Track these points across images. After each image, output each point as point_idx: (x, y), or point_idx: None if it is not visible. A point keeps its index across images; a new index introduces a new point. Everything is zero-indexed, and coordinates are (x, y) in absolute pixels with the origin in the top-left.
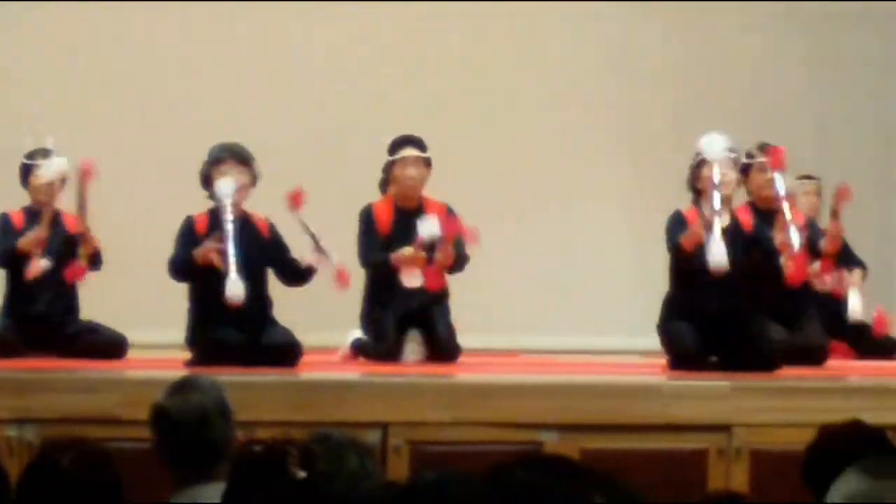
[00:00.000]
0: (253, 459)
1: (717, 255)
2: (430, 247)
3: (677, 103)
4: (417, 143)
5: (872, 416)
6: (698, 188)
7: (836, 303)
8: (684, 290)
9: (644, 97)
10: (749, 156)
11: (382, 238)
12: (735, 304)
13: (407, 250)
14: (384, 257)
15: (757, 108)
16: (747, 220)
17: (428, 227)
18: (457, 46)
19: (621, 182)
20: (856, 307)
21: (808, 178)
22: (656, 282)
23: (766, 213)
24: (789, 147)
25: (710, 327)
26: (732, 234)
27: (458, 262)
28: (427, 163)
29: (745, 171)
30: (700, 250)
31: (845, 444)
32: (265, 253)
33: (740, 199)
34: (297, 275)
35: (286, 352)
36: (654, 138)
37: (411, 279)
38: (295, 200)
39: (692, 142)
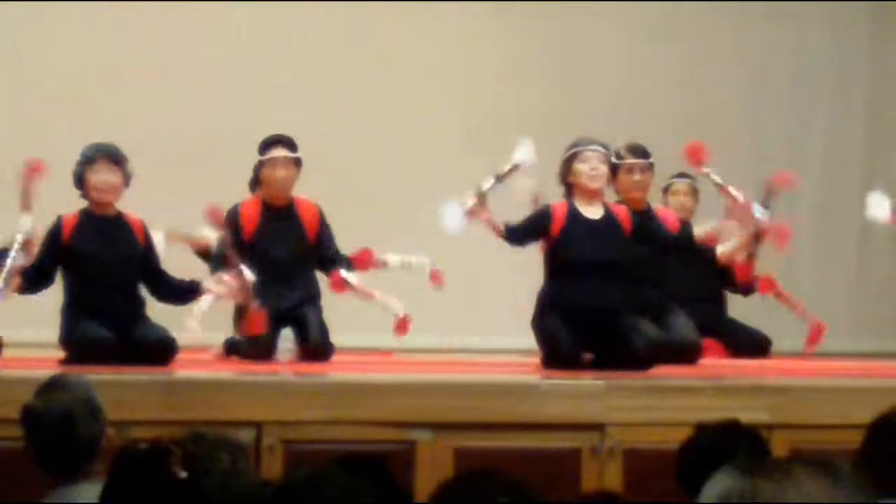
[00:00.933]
0: (134, 458)
1: (450, 218)
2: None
3: (553, 101)
4: (287, 143)
5: (745, 414)
6: (570, 182)
7: (709, 301)
8: (558, 286)
9: (521, 95)
10: (618, 156)
11: (247, 238)
12: (609, 300)
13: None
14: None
15: (623, 108)
16: (625, 217)
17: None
18: (331, 44)
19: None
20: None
21: (683, 176)
22: (532, 279)
23: (637, 214)
24: (659, 144)
25: (584, 323)
26: (608, 227)
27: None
28: (297, 163)
29: (613, 171)
30: (577, 241)
31: (720, 443)
32: (137, 253)
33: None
34: (169, 290)
35: (160, 350)
36: (527, 134)
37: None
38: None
39: (565, 139)
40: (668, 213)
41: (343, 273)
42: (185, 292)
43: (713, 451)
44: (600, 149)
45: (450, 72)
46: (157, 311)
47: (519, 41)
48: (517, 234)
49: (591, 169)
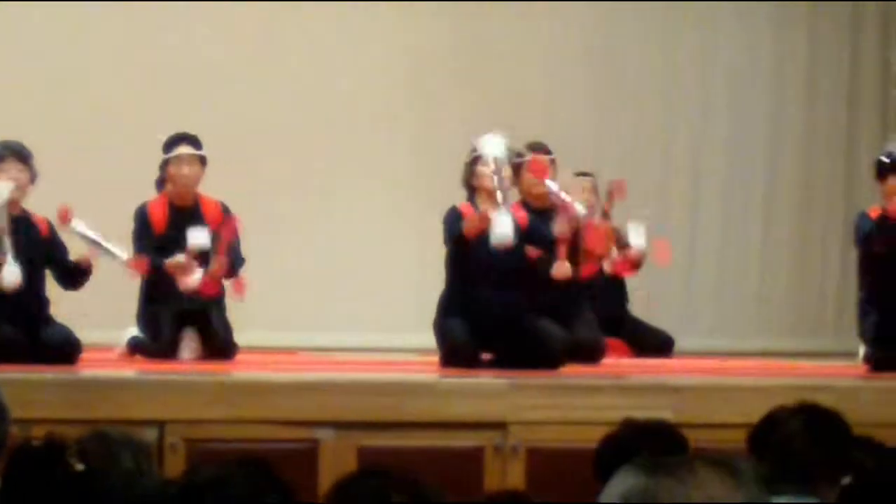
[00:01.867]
0: (30, 454)
1: (502, 226)
2: (204, 254)
3: (462, 100)
4: (192, 140)
5: (649, 413)
6: (473, 185)
7: (612, 301)
8: (461, 287)
9: (427, 94)
10: (519, 155)
11: (157, 237)
12: (513, 301)
13: (179, 258)
14: (158, 262)
15: (537, 107)
16: (522, 216)
17: (197, 238)
18: (230, 39)
19: (401, 181)
20: (639, 239)
21: (584, 174)
22: (435, 279)
23: (540, 211)
24: (568, 144)
25: (487, 325)
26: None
27: (233, 268)
28: (202, 161)
29: (516, 169)
30: (480, 242)
31: (640, 441)
32: (43, 252)
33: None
34: (72, 275)
35: (64, 349)
36: (435, 136)
37: (187, 284)
38: (62, 217)
39: (469, 140)
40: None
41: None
42: (82, 274)
43: (632, 448)
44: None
45: (378, 72)
46: (63, 311)
47: (427, 36)
48: (455, 238)
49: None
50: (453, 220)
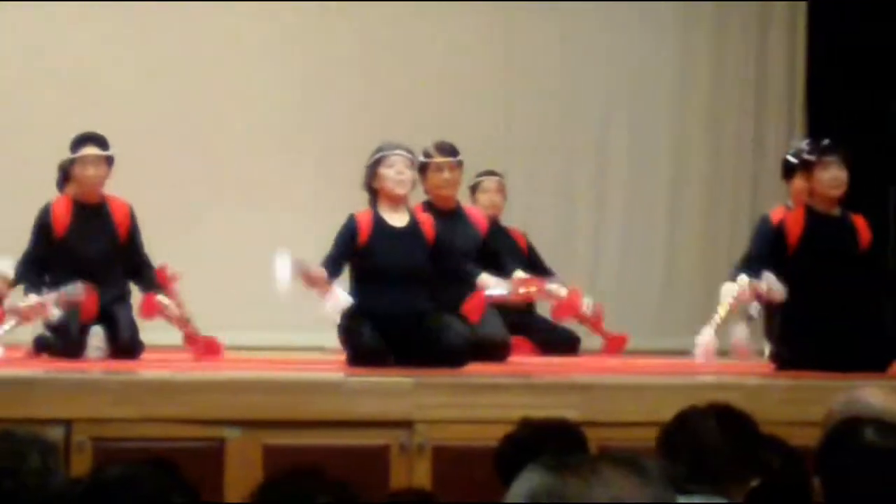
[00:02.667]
0: None
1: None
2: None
3: (369, 98)
4: (99, 141)
5: (554, 412)
6: (374, 188)
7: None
8: (364, 293)
9: (334, 94)
10: (426, 155)
11: (59, 238)
12: (417, 303)
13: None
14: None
15: (445, 107)
16: (427, 219)
17: (74, 292)
18: (142, 45)
19: (312, 180)
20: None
21: (491, 173)
22: (342, 279)
23: (445, 212)
24: (476, 143)
25: (391, 328)
26: (412, 235)
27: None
28: (108, 161)
29: (422, 170)
30: (381, 244)
31: (541, 440)
32: None
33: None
34: None
35: None
36: (336, 139)
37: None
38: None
39: (374, 144)
40: (476, 211)
41: (158, 298)
42: None
43: (533, 447)
44: (406, 153)
45: (281, 78)
46: None
47: (334, 35)
48: (335, 264)
49: (397, 173)
50: (343, 235)
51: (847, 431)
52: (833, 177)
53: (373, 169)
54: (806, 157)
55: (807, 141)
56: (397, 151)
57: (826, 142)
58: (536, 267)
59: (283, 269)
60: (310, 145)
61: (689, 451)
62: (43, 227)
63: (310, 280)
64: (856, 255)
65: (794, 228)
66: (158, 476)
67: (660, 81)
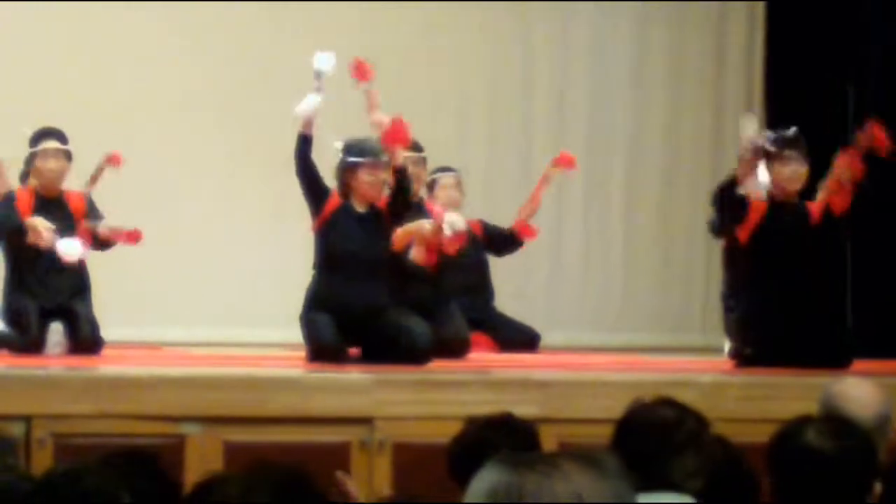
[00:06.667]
0: None
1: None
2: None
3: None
4: (58, 135)
5: (514, 408)
6: (350, 184)
7: (477, 295)
8: (325, 281)
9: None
10: None
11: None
12: (377, 295)
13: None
14: (18, 222)
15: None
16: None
17: (70, 250)
18: (86, 34)
19: (270, 173)
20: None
21: (448, 169)
22: (301, 274)
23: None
24: (433, 138)
25: (352, 319)
26: (373, 223)
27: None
28: (68, 155)
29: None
30: (344, 235)
31: (491, 437)
32: None
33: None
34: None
35: None
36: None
37: (68, 252)
38: None
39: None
40: (436, 207)
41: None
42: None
43: (483, 445)
44: (377, 159)
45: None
46: None
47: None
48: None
49: (374, 179)
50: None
51: (791, 432)
52: (793, 171)
53: (347, 169)
54: (767, 148)
55: (770, 133)
56: (369, 159)
57: (790, 134)
58: (501, 245)
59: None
60: (266, 138)
61: (638, 447)
62: (10, 205)
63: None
64: (813, 239)
65: (754, 214)
66: (111, 472)
67: (618, 76)
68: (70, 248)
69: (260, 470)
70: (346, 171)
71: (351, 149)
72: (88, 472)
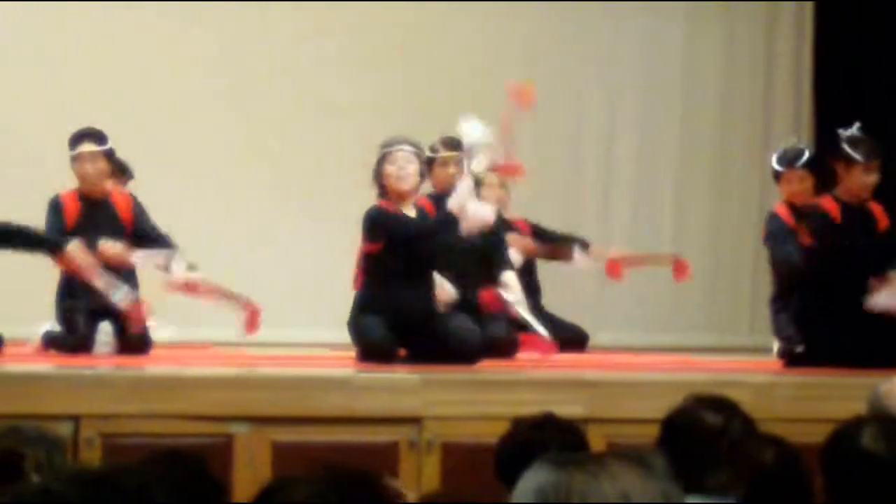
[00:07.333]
0: None
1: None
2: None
3: (370, 100)
4: (95, 136)
5: (562, 408)
6: (382, 184)
7: (526, 296)
8: (376, 288)
9: (332, 87)
10: (433, 150)
11: (69, 227)
12: (427, 298)
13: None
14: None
15: (451, 102)
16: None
17: (121, 295)
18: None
19: (318, 175)
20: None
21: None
22: (348, 274)
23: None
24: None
25: (403, 322)
26: None
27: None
28: (107, 155)
29: (429, 165)
30: (395, 240)
31: (537, 437)
32: None
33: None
34: None
35: None
36: (352, 132)
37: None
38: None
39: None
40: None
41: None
42: None
43: (530, 446)
44: (408, 148)
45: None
46: None
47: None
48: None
49: (399, 169)
50: (384, 218)
51: (846, 434)
52: (873, 181)
53: (379, 165)
54: (775, 167)
55: (852, 135)
56: (400, 147)
57: (875, 145)
58: (552, 241)
59: (474, 131)
60: (321, 141)
61: (678, 450)
62: (57, 213)
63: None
64: (873, 240)
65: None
66: (143, 472)
67: (667, 79)
68: (120, 294)
69: (327, 473)
70: (378, 169)
71: (382, 144)
72: (124, 471)
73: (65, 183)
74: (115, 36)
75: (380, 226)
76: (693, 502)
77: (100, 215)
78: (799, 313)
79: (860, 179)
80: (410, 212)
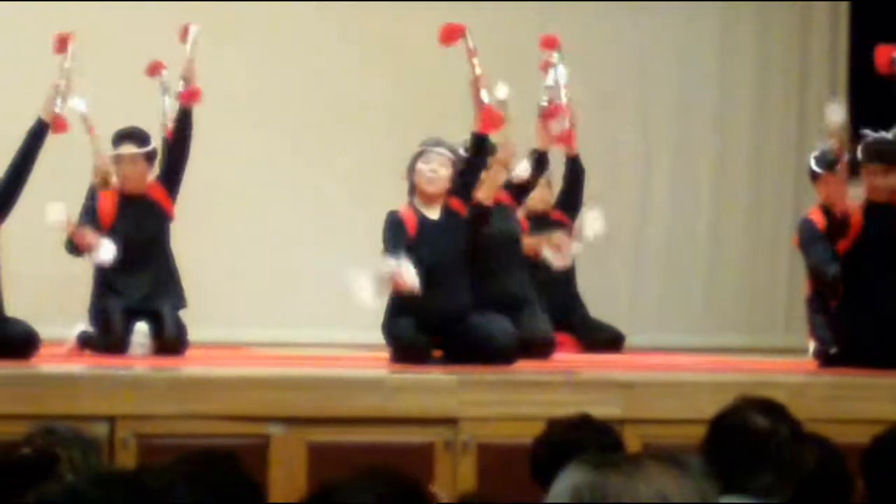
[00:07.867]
0: (21, 462)
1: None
2: None
3: (402, 99)
4: (136, 137)
5: (598, 409)
6: (413, 180)
7: (563, 296)
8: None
9: (377, 89)
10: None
11: (106, 226)
12: (459, 297)
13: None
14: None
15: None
16: (463, 209)
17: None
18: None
19: (353, 174)
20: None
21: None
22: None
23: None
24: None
25: (437, 323)
26: (450, 226)
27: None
28: (148, 156)
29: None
30: (423, 244)
31: (572, 438)
32: None
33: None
34: None
35: (24, 344)
36: (383, 132)
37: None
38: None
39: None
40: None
41: None
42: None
43: (566, 446)
44: (445, 151)
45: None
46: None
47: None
48: (396, 254)
49: (431, 171)
50: (393, 229)
51: (890, 437)
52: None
53: (413, 161)
54: (813, 168)
55: (817, 152)
56: (436, 149)
57: (830, 155)
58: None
59: (363, 287)
60: (354, 140)
61: (723, 452)
62: (93, 208)
63: (399, 285)
64: None
65: (854, 222)
66: (199, 472)
67: (703, 79)
68: (105, 252)
69: (373, 477)
70: (412, 164)
71: (422, 142)
72: (150, 472)
73: (66, 185)
74: (133, 41)
75: (384, 234)
76: (733, 502)
77: (140, 212)
78: (834, 314)
79: (882, 181)
80: (435, 214)
